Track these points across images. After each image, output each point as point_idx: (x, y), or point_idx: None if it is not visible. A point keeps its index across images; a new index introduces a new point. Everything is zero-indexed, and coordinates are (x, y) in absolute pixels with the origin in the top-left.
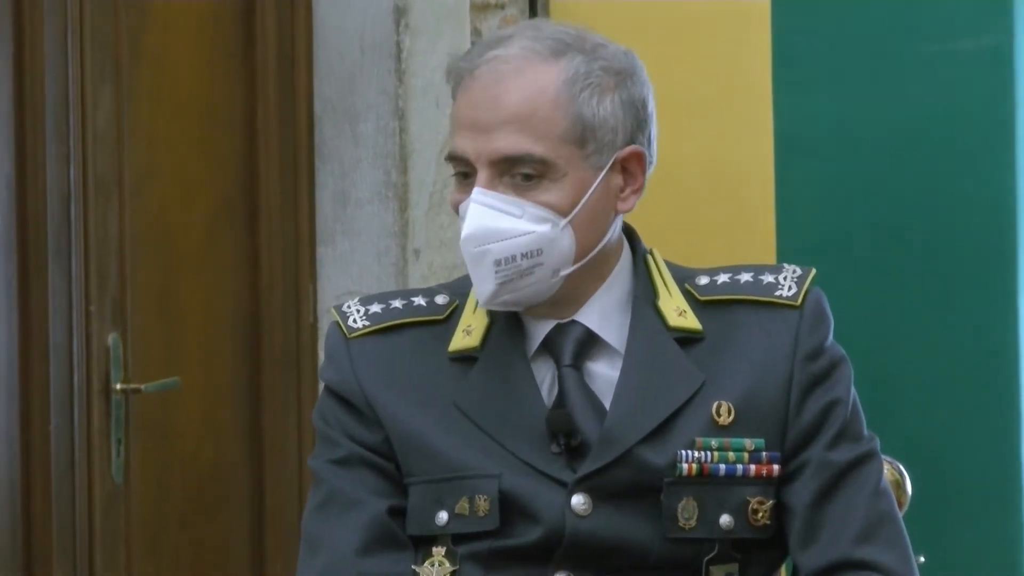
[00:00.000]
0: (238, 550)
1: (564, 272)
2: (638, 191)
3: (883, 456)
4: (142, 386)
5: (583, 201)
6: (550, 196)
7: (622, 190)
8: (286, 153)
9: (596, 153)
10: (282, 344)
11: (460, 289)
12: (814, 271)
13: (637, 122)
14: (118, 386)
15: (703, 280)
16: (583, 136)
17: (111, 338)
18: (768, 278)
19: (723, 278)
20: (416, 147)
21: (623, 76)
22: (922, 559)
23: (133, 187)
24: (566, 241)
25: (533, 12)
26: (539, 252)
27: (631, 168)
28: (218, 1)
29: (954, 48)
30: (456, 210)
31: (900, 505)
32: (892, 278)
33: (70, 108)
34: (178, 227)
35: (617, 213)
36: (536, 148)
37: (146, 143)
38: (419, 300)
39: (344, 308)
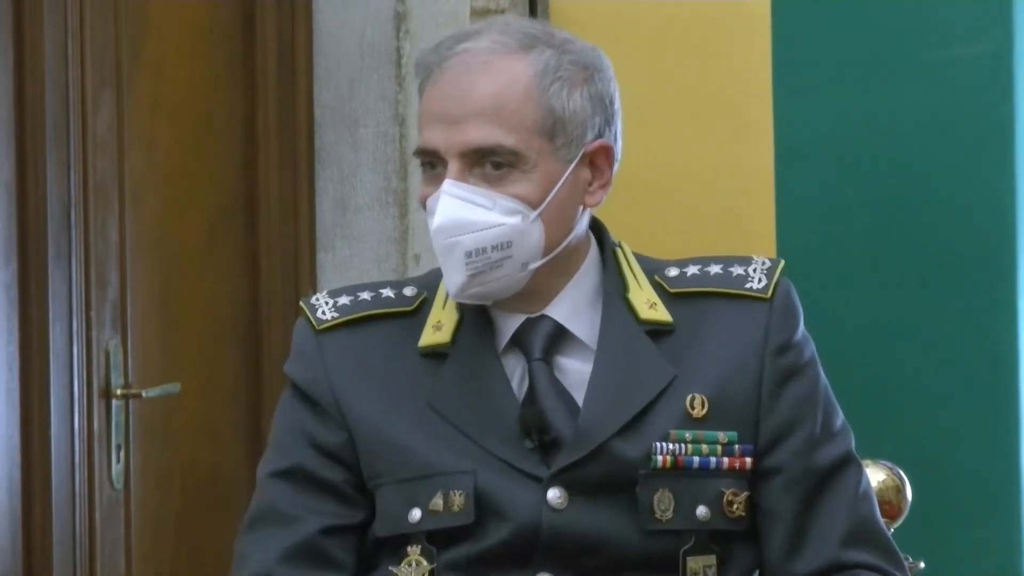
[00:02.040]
0: None
1: (533, 265)
2: (605, 186)
3: (883, 462)
4: (142, 391)
5: (552, 193)
6: (520, 188)
7: (590, 184)
8: (286, 158)
9: (565, 146)
10: (281, 350)
11: (428, 283)
12: (783, 263)
13: (605, 117)
14: (118, 391)
15: (673, 272)
16: (553, 128)
17: (111, 344)
18: (738, 270)
19: (693, 270)
20: None
21: (591, 71)
22: (922, 565)
23: (133, 193)
24: (535, 234)
25: (533, 17)
26: (509, 244)
27: (599, 163)
28: (218, 7)
29: (953, 54)
30: (424, 205)
31: (900, 511)
32: (892, 283)
33: (70, 114)
34: (178, 233)
35: (585, 207)
36: (507, 139)
37: (146, 149)
38: (387, 292)
39: (312, 300)
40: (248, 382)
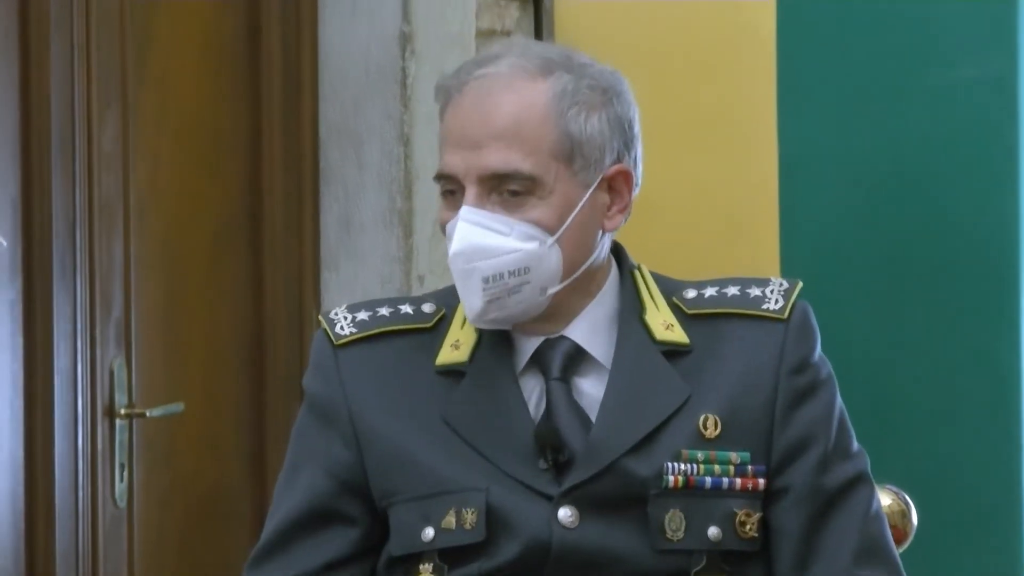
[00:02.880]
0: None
1: (551, 290)
2: (624, 210)
3: (889, 486)
4: (146, 411)
5: (570, 218)
6: (538, 213)
7: (608, 208)
8: (290, 177)
9: (583, 170)
10: (285, 368)
11: (447, 299)
12: (800, 284)
13: (624, 141)
14: (122, 410)
15: (690, 293)
16: (571, 153)
17: (115, 362)
18: (755, 291)
19: (710, 291)
20: (420, 173)
21: (610, 95)
22: None
23: (138, 210)
24: (553, 259)
25: (538, 39)
26: (527, 270)
27: (617, 187)
28: (223, 24)
29: (958, 75)
30: (444, 229)
31: (906, 534)
32: (895, 303)
33: (76, 131)
34: (183, 251)
35: (603, 231)
36: (524, 164)
37: (151, 166)
38: (406, 308)
39: (331, 315)
40: (251, 401)
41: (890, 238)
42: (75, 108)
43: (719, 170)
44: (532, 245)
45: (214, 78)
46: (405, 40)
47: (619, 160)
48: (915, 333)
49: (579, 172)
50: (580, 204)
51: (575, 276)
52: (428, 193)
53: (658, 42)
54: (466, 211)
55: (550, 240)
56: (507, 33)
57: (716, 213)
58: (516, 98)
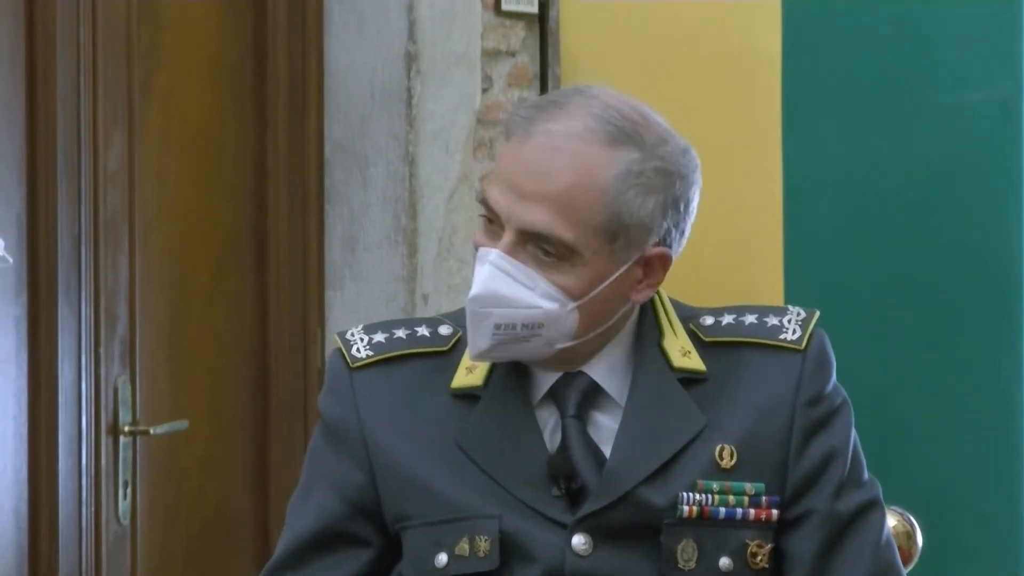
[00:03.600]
0: None
1: (559, 346)
2: (654, 285)
3: (894, 507)
4: (150, 428)
5: (597, 290)
6: (566, 279)
7: (639, 282)
8: (295, 196)
9: (624, 249)
10: (289, 388)
11: (464, 320)
12: (818, 313)
13: (675, 221)
14: (126, 428)
15: (708, 320)
16: (616, 232)
17: (120, 380)
18: (773, 320)
19: (728, 319)
20: (425, 192)
21: (674, 178)
22: None
23: (143, 228)
24: (569, 321)
25: (544, 59)
26: (540, 326)
27: (654, 265)
28: (230, 43)
29: (963, 99)
30: (476, 248)
31: (911, 556)
32: (898, 325)
33: (81, 148)
34: (187, 269)
35: (629, 301)
36: (566, 233)
37: (156, 184)
38: (423, 330)
39: (347, 336)
40: (255, 419)
41: (894, 260)
42: (81, 125)
43: (724, 192)
44: (552, 306)
45: (220, 97)
46: (411, 60)
47: (662, 242)
48: (918, 355)
49: (619, 250)
50: (611, 279)
51: (586, 337)
52: (433, 212)
53: (663, 64)
54: (497, 257)
55: (571, 305)
56: (512, 53)
57: (721, 235)
58: (578, 167)
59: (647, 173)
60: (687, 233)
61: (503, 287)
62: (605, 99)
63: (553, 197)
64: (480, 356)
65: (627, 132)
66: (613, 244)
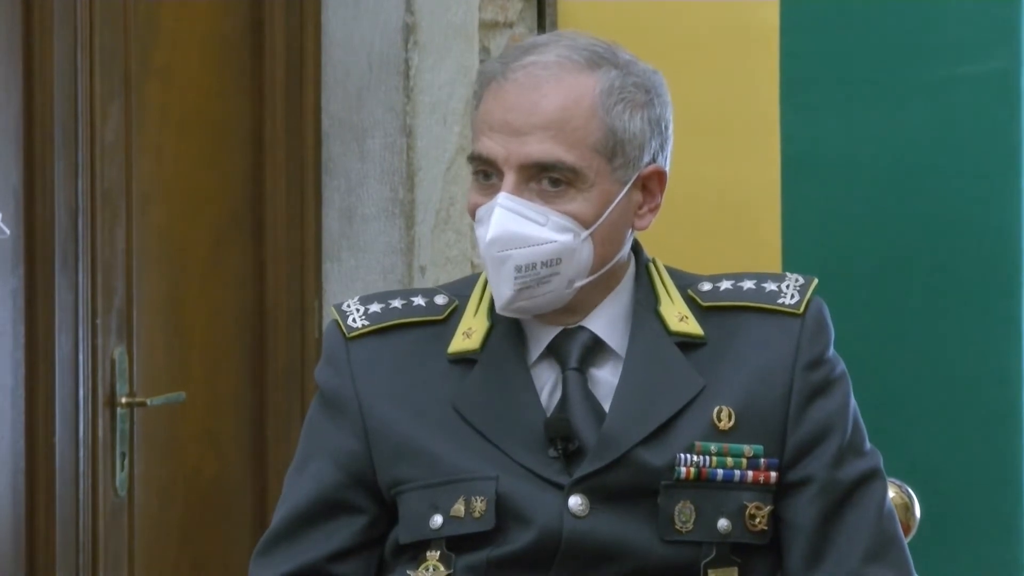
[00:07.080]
0: (240, 565)
1: (578, 283)
2: (655, 210)
3: (893, 480)
4: (147, 400)
5: (606, 214)
6: (575, 206)
7: (640, 207)
8: (293, 169)
9: (623, 167)
10: (287, 359)
11: (460, 291)
12: (816, 280)
13: (660, 142)
14: (123, 400)
15: (706, 286)
16: (613, 149)
17: (117, 352)
18: (771, 286)
19: (726, 285)
20: (423, 164)
21: (651, 94)
22: None
23: (140, 201)
24: (585, 252)
25: (541, 30)
26: (558, 261)
27: (651, 186)
28: (227, 17)
29: (961, 73)
30: (472, 214)
31: (909, 528)
32: (897, 301)
33: (79, 122)
34: (185, 241)
35: (633, 229)
36: (568, 156)
37: (154, 158)
38: (418, 300)
39: (344, 307)
40: (253, 391)
41: (892, 235)
42: (78, 99)
43: (722, 168)
44: (567, 237)
45: (217, 70)
46: (408, 31)
47: (655, 160)
48: (917, 329)
49: (618, 169)
50: (616, 200)
51: (602, 272)
52: (430, 184)
53: (661, 38)
54: (504, 198)
55: (584, 234)
56: (510, 25)
57: (719, 212)
58: (563, 90)
59: (628, 88)
60: (670, 156)
61: (516, 226)
62: (573, 35)
63: (547, 124)
64: (506, 306)
65: (601, 54)
66: (613, 163)
